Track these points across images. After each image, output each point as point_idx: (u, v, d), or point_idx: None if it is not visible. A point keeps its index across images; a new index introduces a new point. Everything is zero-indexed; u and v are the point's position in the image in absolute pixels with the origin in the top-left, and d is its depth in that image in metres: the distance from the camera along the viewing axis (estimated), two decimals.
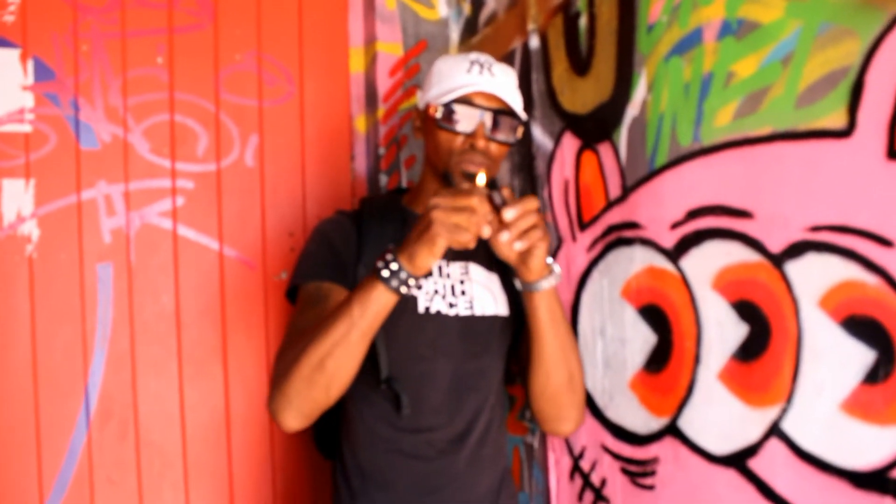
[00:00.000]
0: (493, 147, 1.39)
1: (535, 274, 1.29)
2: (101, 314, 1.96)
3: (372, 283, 1.19)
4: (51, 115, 1.92)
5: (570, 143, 1.57)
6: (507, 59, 1.82)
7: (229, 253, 2.08)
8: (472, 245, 1.16)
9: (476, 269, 1.49)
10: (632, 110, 1.36)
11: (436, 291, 1.44)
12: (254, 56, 2.10)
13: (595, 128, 1.48)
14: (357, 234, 1.48)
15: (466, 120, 1.37)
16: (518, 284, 1.35)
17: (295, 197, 2.15)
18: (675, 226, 1.26)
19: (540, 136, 1.68)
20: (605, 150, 1.45)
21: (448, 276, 1.46)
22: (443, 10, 2.21)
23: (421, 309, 1.42)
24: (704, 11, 1.18)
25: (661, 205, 1.29)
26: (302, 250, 1.50)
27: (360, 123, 2.25)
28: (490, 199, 1.19)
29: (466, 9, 2.12)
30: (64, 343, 1.93)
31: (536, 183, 1.70)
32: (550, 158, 1.64)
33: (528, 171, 1.74)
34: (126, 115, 1.98)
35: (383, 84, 2.17)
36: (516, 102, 1.40)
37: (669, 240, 1.27)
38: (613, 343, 1.45)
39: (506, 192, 1.21)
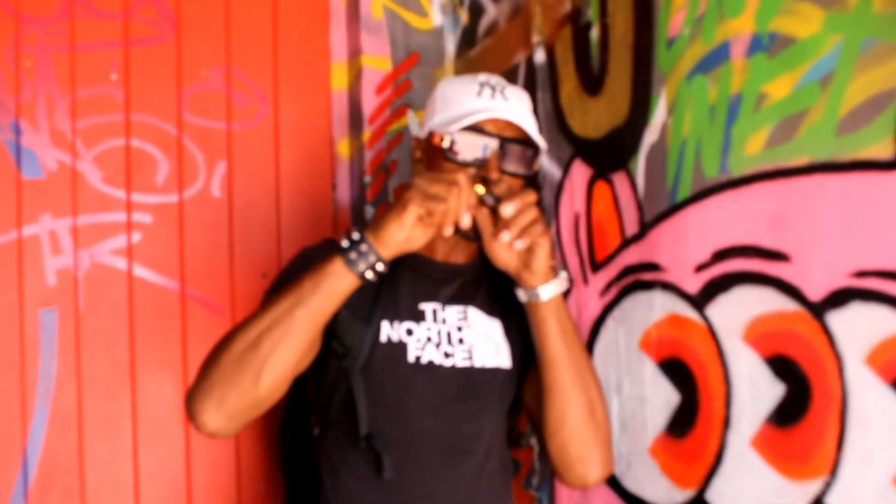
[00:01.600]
0: (507, 180, 1.35)
1: (540, 277, 1.29)
2: (43, 366, 1.94)
3: (330, 257, 1.21)
4: None
5: (580, 172, 1.56)
6: (510, 75, 1.82)
7: (192, 295, 2.07)
8: (446, 229, 1.20)
9: (476, 315, 1.47)
10: (650, 135, 1.36)
11: (429, 339, 1.41)
12: (221, 72, 2.10)
13: (609, 155, 1.47)
14: None
15: (477, 149, 1.35)
16: (521, 296, 1.33)
17: (268, 232, 2.14)
18: (700, 268, 1.24)
19: (546, 163, 1.68)
20: (620, 180, 1.44)
21: (444, 321, 1.44)
22: (437, 18, 2.22)
23: (411, 358, 1.39)
24: (732, 24, 1.17)
25: (684, 244, 1.28)
26: (278, 272, 1.49)
27: (343, 148, 2.24)
28: (482, 201, 1.24)
29: (464, 17, 2.12)
30: (0, 399, 1.90)
31: (544, 217, 1.67)
32: (559, 189, 1.64)
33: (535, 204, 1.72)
34: (75, 139, 1.98)
35: (369, 103, 2.17)
36: (532, 129, 1.38)
37: (694, 284, 1.26)
38: (631, 402, 1.43)
39: (499, 187, 1.25)
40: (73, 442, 1.95)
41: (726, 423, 1.20)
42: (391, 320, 1.40)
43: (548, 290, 1.30)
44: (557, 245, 1.64)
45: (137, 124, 2.03)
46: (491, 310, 1.48)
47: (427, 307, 1.43)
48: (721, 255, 1.20)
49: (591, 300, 1.53)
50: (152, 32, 2.05)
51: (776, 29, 1.10)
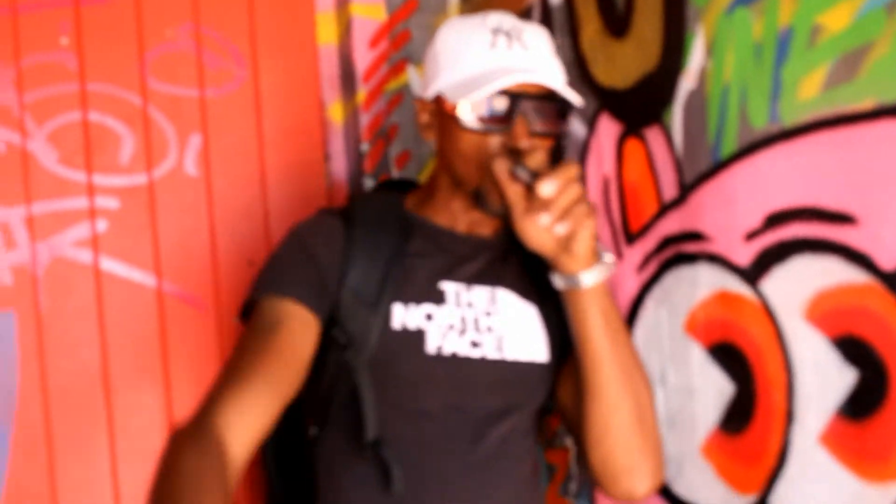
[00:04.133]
0: (539, 146, 1.32)
1: (581, 262, 1.26)
2: (1, 378, 1.93)
3: None
4: None
5: (608, 129, 1.54)
6: (523, 19, 1.78)
7: (170, 290, 2.07)
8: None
9: (507, 298, 1.43)
10: (687, 82, 1.33)
11: (451, 325, 1.37)
12: (190, 31, 2.09)
13: (640, 107, 1.45)
14: (344, 243, 1.41)
15: (500, 115, 1.31)
16: (558, 283, 1.30)
17: (253, 213, 2.13)
18: (751, 236, 1.22)
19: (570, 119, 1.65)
20: (654, 136, 1.42)
21: (469, 304, 1.40)
22: None
23: (431, 349, 1.36)
24: None
25: (732, 208, 1.25)
26: (267, 258, 1.46)
27: (336, 112, 2.24)
28: (514, 175, 1.23)
29: None
30: None
31: None
32: (584, 149, 1.62)
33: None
34: (23, 115, 1.97)
35: (362, 59, 2.15)
36: (560, 80, 1.34)
37: (745, 255, 1.23)
38: (678, 394, 1.41)
39: (533, 159, 1.23)
40: (42, 464, 1.96)
41: (789, 416, 1.18)
42: (406, 302, 1.36)
43: (590, 277, 1.27)
44: None
45: (95, 95, 2.02)
46: (524, 292, 1.45)
47: (449, 287, 1.40)
48: (775, 220, 1.17)
49: (626, 277, 1.51)
50: None
51: None
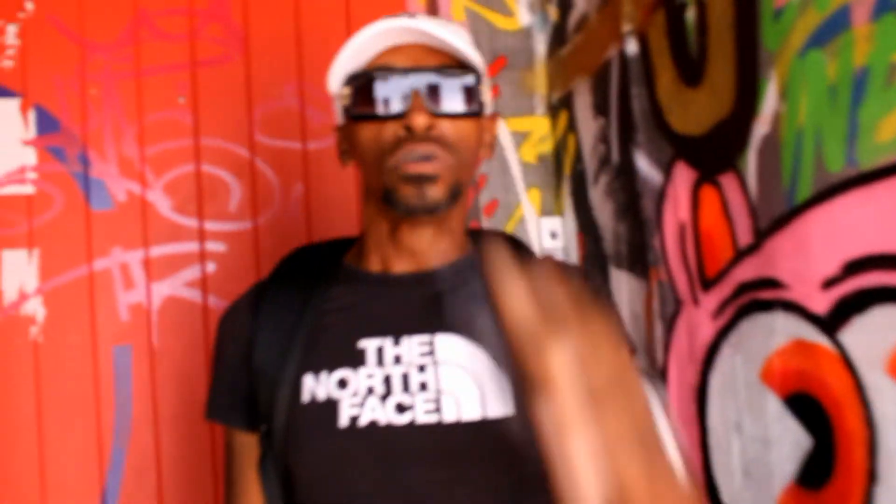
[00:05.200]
0: (446, 127, 1.04)
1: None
2: (119, 407, 1.90)
3: None
4: (56, 172, 1.91)
5: (683, 176, 1.42)
6: (602, 73, 1.70)
7: None
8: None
9: (449, 344, 1.06)
10: (761, 127, 1.19)
11: (370, 390, 1.03)
12: (294, 90, 2.04)
13: (714, 153, 1.32)
14: (251, 321, 1.13)
15: (390, 95, 1.03)
16: None
17: None
18: (828, 284, 1.06)
19: (646, 167, 1.55)
20: (728, 182, 1.28)
21: (397, 360, 1.05)
22: (524, 17, 2.11)
23: (343, 421, 1.02)
24: None
25: (808, 255, 1.10)
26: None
27: None
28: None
29: (553, 14, 2.01)
30: (76, 442, 1.88)
31: (645, 229, 1.56)
32: (660, 196, 1.50)
33: (635, 214, 1.60)
34: (144, 167, 1.95)
35: None
36: (462, 45, 1.03)
37: (822, 303, 1.08)
38: (754, 444, 1.25)
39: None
40: (152, 487, 1.90)
41: (871, 476, 1.01)
42: (317, 371, 1.05)
43: None
44: (662, 260, 1.49)
45: (208, 148, 1.99)
46: (478, 331, 1.06)
47: (370, 344, 1.06)
48: (854, 268, 1.02)
49: (703, 323, 1.37)
50: (220, 52, 2.01)
51: None
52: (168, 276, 1.94)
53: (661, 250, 1.50)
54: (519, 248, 1.19)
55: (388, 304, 1.09)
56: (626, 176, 1.62)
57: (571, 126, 1.93)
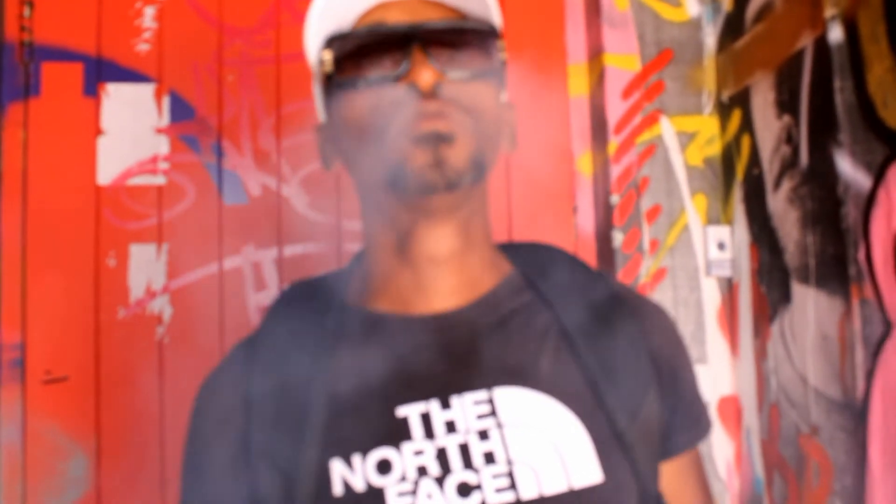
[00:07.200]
0: (458, 89, 0.85)
1: None
2: None
3: None
4: (188, 162, 1.90)
5: None
6: (791, 65, 1.58)
7: None
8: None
9: (516, 398, 0.86)
10: None
11: (423, 470, 0.82)
12: None
13: None
14: (244, 402, 0.88)
15: (385, 55, 0.85)
16: None
17: None
18: None
19: (849, 170, 1.42)
20: None
21: (451, 428, 0.84)
22: (693, 8, 2.01)
23: None
24: None
25: None
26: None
27: (585, 164, 2.07)
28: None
29: (726, 3, 1.91)
30: None
31: (846, 239, 1.42)
32: (868, 202, 1.37)
33: (831, 223, 1.47)
34: (280, 160, 1.92)
35: (615, 110, 1.97)
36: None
37: None
38: None
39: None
40: None
41: None
42: (346, 454, 0.83)
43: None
44: (867, 276, 1.36)
45: None
46: (548, 379, 0.87)
47: (411, 412, 0.85)
48: None
49: None
50: None
51: None
52: (301, 276, 1.89)
53: (867, 264, 1.37)
54: (575, 266, 1.00)
55: (425, 354, 0.88)
56: (819, 180, 1.50)
57: (746, 126, 1.80)
